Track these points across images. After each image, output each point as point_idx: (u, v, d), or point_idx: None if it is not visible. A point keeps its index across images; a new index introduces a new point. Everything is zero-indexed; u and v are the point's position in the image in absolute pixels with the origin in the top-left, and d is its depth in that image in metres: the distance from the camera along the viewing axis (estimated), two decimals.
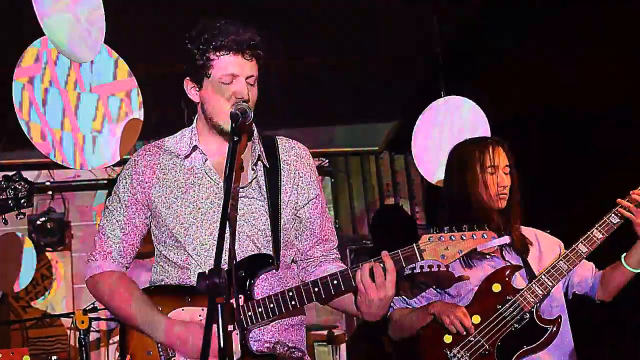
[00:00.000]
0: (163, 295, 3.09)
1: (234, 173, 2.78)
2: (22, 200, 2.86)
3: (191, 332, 2.95)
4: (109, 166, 6.45)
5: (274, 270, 3.08)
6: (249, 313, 2.95)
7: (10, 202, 2.83)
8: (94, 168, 6.08)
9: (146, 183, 3.12)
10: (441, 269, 3.56)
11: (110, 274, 3.16)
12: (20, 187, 2.85)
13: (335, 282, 2.96)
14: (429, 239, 3.00)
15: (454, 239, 3.01)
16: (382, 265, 2.93)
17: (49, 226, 8.05)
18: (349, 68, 6.79)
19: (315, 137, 7.73)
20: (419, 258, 2.98)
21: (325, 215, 3.26)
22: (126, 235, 3.15)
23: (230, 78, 2.97)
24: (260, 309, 2.96)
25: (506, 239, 3.52)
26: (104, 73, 4.54)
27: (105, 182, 8.33)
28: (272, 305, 2.95)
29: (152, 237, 3.20)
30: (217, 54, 2.96)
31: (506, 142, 3.98)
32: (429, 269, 3.41)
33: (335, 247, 3.28)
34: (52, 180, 8.11)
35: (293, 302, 2.96)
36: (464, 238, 3.01)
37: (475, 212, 3.79)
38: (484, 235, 3.02)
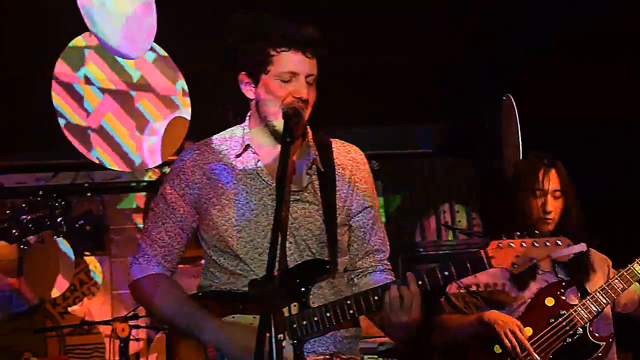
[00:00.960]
0: (212, 301, 3.05)
1: (285, 176, 2.76)
2: (59, 219, 2.86)
3: (241, 333, 2.90)
4: (151, 168, 6.49)
5: (330, 279, 3.05)
6: (304, 322, 2.91)
7: (46, 220, 2.84)
8: (135, 169, 6.12)
9: (195, 184, 3.08)
10: (496, 288, 3.64)
11: (154, 276, 3.12)
12: (57, 205, 2.85)
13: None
14: (499, 245, 2.95)
15: (525, 245, 2.95)
16: (408, 288, 2.89)
17: (87, 229, 8.10)
18: (400, 68, 6.77)
19: (365, 138, 7.70)
20: (486, 264, 2.94)
21: (378, 225, 3.21)
22: (172, 239, 3.11)
23: (290, 76, 2.93)
24: (316, 318, 2.91)
25: (583, 246, 3.52)
26: (149, 70, 4.56)
27: (145, 183, 8.38)
28: (328, 314, 2.91)
29: (201, 241, 3.16)
30: (278, 49, 2.92)
31: (559, 162, 4.07)
32: (484, 288, 3.50)
33: (385, 258, 3.23)
34: (90, 181, 8.13)
35: (351, 311, 2.91)
36: (537, 245, 2.95)
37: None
38: (558, 242, 2.96)
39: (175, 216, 3.10)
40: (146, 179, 8.32)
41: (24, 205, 2.81)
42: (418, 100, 7.21)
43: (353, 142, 3.29)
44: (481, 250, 2.96)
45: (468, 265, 2.94)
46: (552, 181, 3.98)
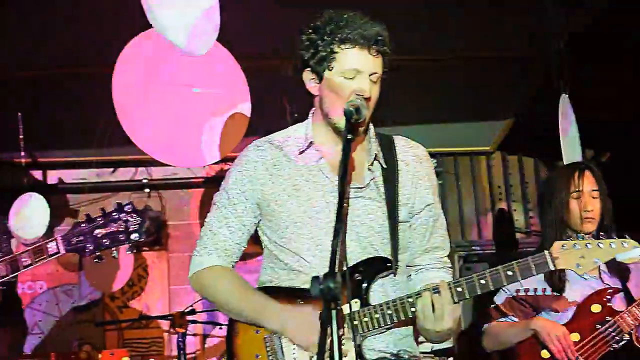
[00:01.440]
0: (273, 297, 3.05)
1: (347, 173, 2.77)
2: (134, 235, 2.89)
3: (303, 316, 2.90)
4: (209, 164, 6.52)
5: (391, 276, 3.04)
6: (365, 319, 2.91)
7: (120, 235, 2.87)
8: (193, 166, 6.16)
9: (257, 180, 3.10)
10: (545, 294, 3.64)
11: (216, 268, 3.14)
12: (132, 219, 2.88)
13: (459, 289, 2.90)
14: (562, 246, 2.92)
15: (590, 246, 2.92)
16: (439, 296, 2.87)
17: (145, 225, 8.17)
18: (459, 65, 6.73)
19: (423, 135, 7.65)
20: (550, 266, 2.91)
21: (439, 223, 3.20)
22: (233, 233, 3.14)
23: (354, 73, 2.93)
24: (377, 315, 2.91)
25: None
26: (209, 66, 4.58)
27: (202, 179, 8.44)
28: (390, 312, 2.90)
29: (261, 237, 3.18)
30: (342, 46, 2.93)
31: (595, 167, 4.25)
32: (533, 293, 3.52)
33: (445, 255, 3.22)
34: (149, 177, 8.22)
35: (413, 309, 2.90)
36: (601, 246, 2.91)
37: (565, 236, 3.98)
38: (624, 243, 2.92)
39: (237, 211, 3.13)
40: (203, 175, 8.38)
41: (99, 219, 2.83)
42: (479, 98, 7.15)
43: (413, 139, 3.28)
44: (545, 251, 2.92)
45: (532, 266, 2.90)
46: (588, 182, 4.13)
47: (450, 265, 3.22)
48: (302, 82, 3.11)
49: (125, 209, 2.88)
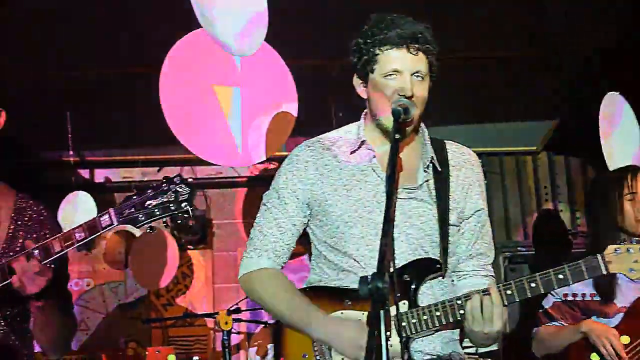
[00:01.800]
0: (320, 297, 3.06)
1: (395, 173, 2.74)
2: (183, 204, 2.91)
3: (349, 330, 2.90)
4: (255, 163, 6.55)
5: (440, 278, 3.03)
6: (413, 320, 2.90)
7: (171, 205, 2.89)
8: (239, 165, 6.19)
9: (308, 180, 3.10)
10: (593, 299, 3.64)
11: (265, 271, 3.14)
12: (181, 189, 2.90)
13: (509, 292, 2.87)
14: (616, 250, 2.87)
15: None
16: (489, 298, 2.84)
17: (190, 224, 8.23)
18: (505, 63, 6.68)
19: (468, 135, 7.61)
20: (603, 270, 2.87)
21: (486, 229, 3.17)
22: (284, 234, 3.13)
23: (395, 73, 2.93)
24: (425, 317, 2.89)
25: None
26: (255, 66, 4.59)
27: (246, 178, 8.48)
28: (438, 314, 2.88)
29: (311, 237, 3.18)
30: (382, 48, 2.94)
31: None
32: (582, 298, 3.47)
33: (489, 263, 3.18)
34: (194, 177, 8.26)
35: (461, 312, 2.88)
36: None
37: (618, 239, 3.98)
38: None
39: (287, 211, 3.13)
40: (247, 174, 8.42)
41: (149, 191, 2.87)
42: (524, 98, 7.10)
43: (460, 139, 3.28)
44: (598, 255, 2.89)
45: (584, 269, 2.87)
46: None
47: (493, 274, 3.18)
48: (347, 82, 3.14)
49: (175, 180, 2.90)
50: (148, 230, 2.98)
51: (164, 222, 2.83)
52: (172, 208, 2.87)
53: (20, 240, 3.20)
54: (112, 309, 8.40)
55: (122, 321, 8.35)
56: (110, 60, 6.23)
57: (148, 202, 2.86)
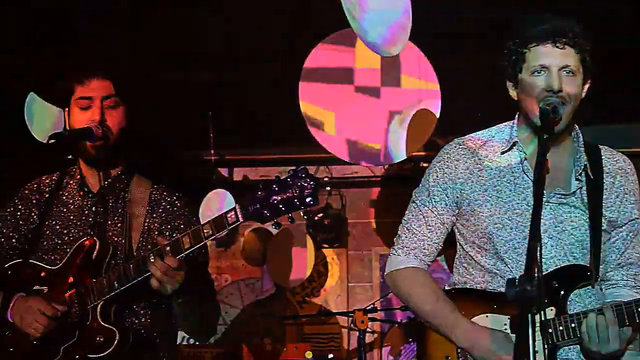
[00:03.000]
0: (466, 299, 3.04)
1: (543, 174, 2.65)
2: (308, 199, 2.88)
3: (493, 340, 2.87)
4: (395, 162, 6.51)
5: (589, 287, 2.95)
6: (560, 328, 2.83)
7: (295, 200, 2.87)
8: (379, 164, 6.17)
9: (458, 178, 3.06)
10: None
11: (412, 270, 3.13)
12: (306, 184, 2.87)
13: (628, 311, 2.77)
14: None
15: None
16: (604, 317, 2.76)
17: (325, 222, 8.27)
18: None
19: (603, 135, 7.32)
20: None
21: (638, 239, 3.06)
22: (432, 232, 3.11)
23: (541, 69, 2.87)
24: (573, 325, 2.82)
25: None
26: (396, 65, 4.57)
27: (380, 178, 8.46)
28: None
29: (457, 237, 3.14)
30: (529, 46, 2.90)
31: None
32: None
33: (638, 274, 3.05)
34: (329, 176, 8.30)
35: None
36: None
37: None
38: None
39: (437, 209, 3.10)
40: (382, 174, 8.40)
41: (274, 186, 2.86)
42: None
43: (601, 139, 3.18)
44: None
45: None
46: None
47: None
48: (490, 82, 3.13)
49: (299, 174, 2.87)
50: (274, 227, 2.96)
51: (289, 218, 2.78)
52: (297, 203, 2.84)
53: (156, 233, 3.27)
54: (249, 305, 8.55)
55: (258, 317, 8.48)
56: (250, 61, 6.30)
57: (273, 198, 2.84)
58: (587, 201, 2.97)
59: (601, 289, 3.05)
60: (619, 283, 3.04)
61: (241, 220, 2.88)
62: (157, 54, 5.91)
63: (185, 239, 2.98)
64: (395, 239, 3.21)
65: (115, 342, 3.00)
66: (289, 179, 2.87)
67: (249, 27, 5.64)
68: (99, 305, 3.06)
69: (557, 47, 2.87)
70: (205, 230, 2.93)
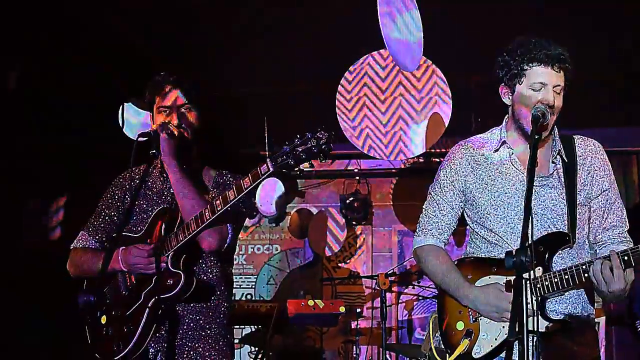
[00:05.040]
0: (474, 265, 3.08)
1: (534, 166, 2.66)
2: (324, 147, 2.81)
3: (491, 295, 2.91)
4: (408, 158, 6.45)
5: (569, 249, 2.94)
6: (546, 283, 2.82)
7: (314, 148, 2.80)
8: (397, 159, 6.10)
9: (463, 172, 3.13)
10: None
11: (428, 247, 3.19)
12: (321, 136, 2.81)
13: (625, 258, 2.70)
14: None
15: None
16: (609, 262, 2.70)
17: (355, 205, 8.28)
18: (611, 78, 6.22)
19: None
20: None
21: (616, 205, 3.04)
22: (444, 215, 3.16)
23: (540, 86, 2.90)
24: (556, 279, 2.80)
25: None
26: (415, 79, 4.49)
27: (394, 170, 8.41)
28: (567, 277, 2.79)
29: (466, 218, 3.19)
30: (531, 64, 2.91)
31: None
32: None
33: (624, 232, 3.03)
34: (359, 168, 8.34)
35: (585, 275, 2.76)
36: None
37: None
38: None
39: (447, 197, 3.16)
40: (400, 167, 8.34)
41: (297, 140, 2.80)
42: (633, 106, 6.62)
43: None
44: None
45: None
46: None
47: (629, 239, 3.03)
48: (484, 95, 3.08)
49: (317, 130, 2.82)
50: (297, 172, 2.87)
51: (310, 164, 2.69)
52: (315, 151, 2.78)
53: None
54: (294, 269, 8.53)
55: (300, 279, 8.46)
56: (297, 76, 6.25)
57: (295, 149, 2.79)
58: (563, 180, 2.99)
59: (595, 250, 3.04)
60: (606, 242, 3.02)
61: (271, 169, 2.82)
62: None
63: (230, 192, 2.93)
64: (417, 224, 3.26)
65: (181, 284, 2.97)
66: (308, 134, 2.81)
67: (291, 51, 5.58)
68: (170, 256, 3.04)
69: (554, 70, 2.90)
70: (245, 184, 2.88)
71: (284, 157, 2.79)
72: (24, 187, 4.62)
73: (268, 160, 2.82)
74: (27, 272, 3.68)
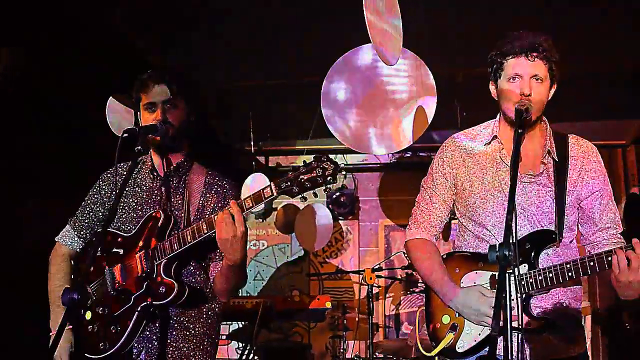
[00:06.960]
0: (461, 259, 3.08)
1: (517, 161, 2.65)
2: (329, 178, 2.86)
3: (472, 298, 2.91)
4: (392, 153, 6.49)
5: (555, 247, 2.92)
6: (531, 280, 2.82)
7: (319, 179, 2.85)
8: (379, 154, 6.13)
9: (454, 165, 3.11)
10: None
11: (419, 241, 3.18)
12: (327, 166, 2.85)
13: (609, 258, 2.70)
14: None
15: None
16: (633, 252, 2.65)
17: (342, 200, 8.30)
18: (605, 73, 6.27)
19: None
20: None
21: (609, 207, 3.00)
22: (436, 208, 3.16)
23: (515, 77, 2.88)
24: (540, 277, 2.81)
25: None
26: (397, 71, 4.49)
27: (383, 165, 8.44)
28: (551, 275, 2.79)
29: (455, 211, 3.18)
30: (507, 57, 2.91)
31: None
32: None
33: (616, 234, 2.99)
34: (345, 163, 8.35)
35: (570, 274, 2.76)
36: None
37: None
38: None
39: (439, 190, 3.15)
40: (387, 161, 8.38)
41: (302, 168, 2.84)
42: (618, 98, 6.67)
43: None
44: None
45: None
46: None
47: (623, 241, 2.99)
48: (470, 88, 3.09)
49: (322, 159, 2.86)
50: (301, 200, 2.93)
51: (313, 193, 2.74)
52: (320, 181, 2.83)
53: (210, 209, 3.23)
54: (280, 265, 8.55)
55: (287, 274, 8.48)
56: (286, 71, 6.26)
57: (301, 177, 2.82)
58: (553, 179, 2.95)
59: (588, 251, 3.01)
60: (602, 242, 2.99)
61: (275, 194, 2.85)
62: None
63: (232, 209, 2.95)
64: (410, 217, 3.26)
65: (174, 293, 2.99)
66: (313, 162, 2.84)
67: (286, 47, 5.59)
68: (162, 263, 3.05)
69: (529, 59, 2.86)
70: (247, 204, 2.91)
71: (289, 183, 2.82)
72: (24, 187, 4.61)
73: (272, 184, 2.84)
74: (27, 272, 3.68)
